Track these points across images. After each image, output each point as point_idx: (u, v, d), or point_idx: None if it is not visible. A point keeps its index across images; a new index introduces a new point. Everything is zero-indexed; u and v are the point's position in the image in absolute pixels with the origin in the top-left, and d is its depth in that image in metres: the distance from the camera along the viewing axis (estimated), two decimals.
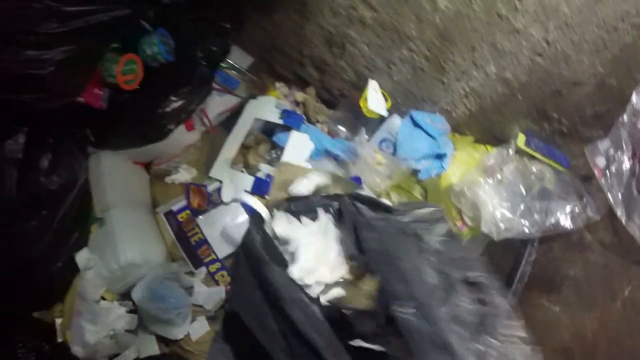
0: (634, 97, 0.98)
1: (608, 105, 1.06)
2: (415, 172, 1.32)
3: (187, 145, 1.48)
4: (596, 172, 1.05)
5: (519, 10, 1.02)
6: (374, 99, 1.35)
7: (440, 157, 1.29)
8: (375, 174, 1.34)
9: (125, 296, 1.34)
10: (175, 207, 1.41)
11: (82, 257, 1.28)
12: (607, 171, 1.03)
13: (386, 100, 1.37)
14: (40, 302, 1.26)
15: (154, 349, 1.35)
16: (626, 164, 1.00)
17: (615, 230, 1.04)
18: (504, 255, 1.19)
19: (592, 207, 1.10)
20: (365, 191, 1.34)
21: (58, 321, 1.27)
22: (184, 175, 1.42)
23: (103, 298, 1.30)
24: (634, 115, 1.00)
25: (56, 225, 1.22)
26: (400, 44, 1.24)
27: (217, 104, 1.51)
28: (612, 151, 1.03)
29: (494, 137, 1.31)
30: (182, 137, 1.46)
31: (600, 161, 1.05)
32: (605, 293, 0.99)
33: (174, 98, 1.33)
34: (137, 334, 1.34)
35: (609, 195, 1.01)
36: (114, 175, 1.38)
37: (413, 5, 1.14)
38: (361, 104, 1.36)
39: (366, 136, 1.38)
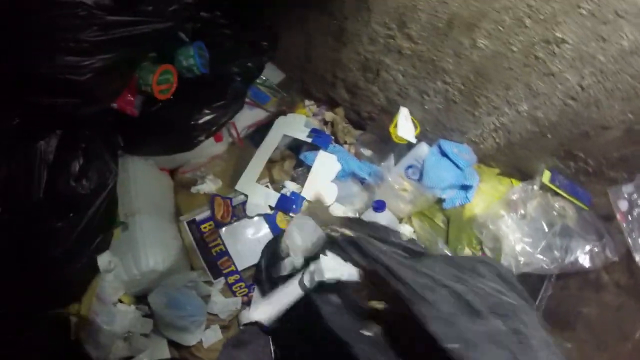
0: None
1: (634, 149, 1.10)
2: (439, 201, 1.35)
3: (214, 156, 1.49)
4: (618, 215, 1.09)
5: (556, 55, 1.06)
6: (404, 126, 1.38)
7: (465, 187, 1.33)
8: (400, 200, 1.37)
9: (141, 300, 1.35)
10: (198, 217, 1.42)
11: (103, 259, 1.27)
12: (629, 215, 1.07)
13: (415, 127, 1.40)
14: (58, 300, 1.24)
15: (165, 352, 1.34)
16: None
17: (632, 273, 1.06)
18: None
19: (610, 247, 1.13)
20: (388, 215, 1.37)
21: (73, 320, 1.25)
22: (210, 186, 1.44)
23: (120, 301, 1.30)
24: None
25: (82, 227, 1.22)
26: (436, 76, 1.28)
27: (246, 118, 1.53)
28: (635, 196, 1.07)
29: (519, 171, 1.34)
30: (209, 147, 1.49)
31: (623, 205, 1.09)
32: (617, 333, 1.01)
33: (207, 111, 1.35)
34: (149, 337, 1.34)
35: (629, 240, 1.05)
36: (140, 181, 1.39)
37: (452, 42, 1.19)
38: (391, 130, 1.38)
39: (393, 161, 1.41)
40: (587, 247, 1.14)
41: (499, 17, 1.08)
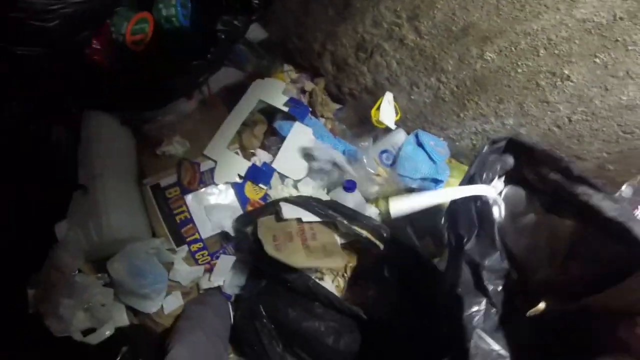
0: (624, 187, 1.13)
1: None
2: (409, 190, 1.37)
3: (183, 115, 1.34)
4: None
5: (557, 88, 1.07)
6: (386, 111, 1.33)
7: (436, 181, 1.35)
8: (371, 183, 1.36)
9: (101, 268, 1.26)
10: (164, 182, 1.31)
11: (61, 227, 1.15)
12: None
13: (396, 113, 1.36)
14: (13, 273, 1.13)
15: (123, 319, 1.30)
16: None
17: None
18: None
19: None
20: (357, 196, 1.37)
21: (31, 292, 1.15)
22: (177, 148, 1.30)
23: (80, 270, 1.21)
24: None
25: (36, 193, 1.08)
26: (432, 73, 1.23)
27: (220, 77, 1.37)
28: None
29: None
30: (179, 104, 1.33)
31: None
32: None
33: (184, 69, 1.18)
34: (109, 305, 1.28)
35: None
36: (104, 140, 1.23)
37: (460, 47, 1.13)
38: (372, 112, 1.33)
39: (371, 144, 1.38)
40: None
41: (516, 40, 1.04)
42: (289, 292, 1.19)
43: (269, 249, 1.14)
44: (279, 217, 1.25)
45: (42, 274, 1.16)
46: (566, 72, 1.03)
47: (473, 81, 1.19)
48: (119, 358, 1.18)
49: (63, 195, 1.14)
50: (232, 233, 1.31)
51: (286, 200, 1.27)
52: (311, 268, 1.19)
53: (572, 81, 1.04)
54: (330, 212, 1.21)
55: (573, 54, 0.99)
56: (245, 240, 1.27)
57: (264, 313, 1.23)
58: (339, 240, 1.24)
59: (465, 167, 1.42)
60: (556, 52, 1.01)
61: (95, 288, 1.20)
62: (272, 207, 1.29)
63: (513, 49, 1.06)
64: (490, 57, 1.11)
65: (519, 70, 1.09)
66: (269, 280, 1.25)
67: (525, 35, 1.03)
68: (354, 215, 1.23)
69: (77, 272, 1.19)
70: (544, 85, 1.09)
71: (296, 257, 1.14)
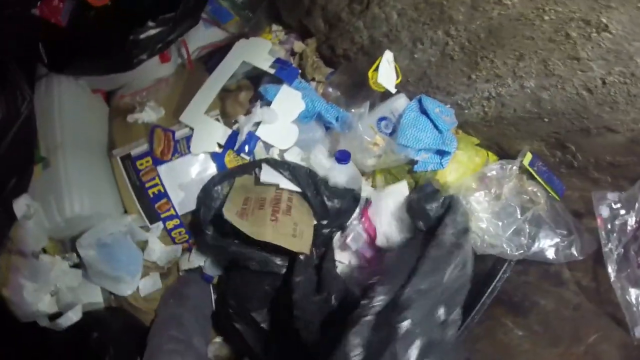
0: None
1: (629, 160, 0.99)
2: (410, 161, 1.19)
3: (158, 79, 1.17)
4: (598, 221, 1.01)
5: (591, 40, 0.84)
6: (386, 72, 1.13)
7: (440, 153, 1.16)
8: (367, 154, 1.17)
9: (68, 247, 1.14)
10: (134, 152, 1.15)
11: (20, 204, 1.02)
12: (609, 224, 1.00)
13: (397, 76, 1.15)
14: None
15: (99, 300, 1.18)
16: (631, 225, 0.97)
17: (595, 276, 1.04)
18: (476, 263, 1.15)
19: (577, 246, 1.06)
20: (351, 168, 1.19)
21: None
22: (150, 114, 1.14)
23: (44, 251, 1.09)
24: None
25: None
26: (439, 24, 1.01)
27: (200, 37, 1.21)
28: (620, 206, 0.99)
29: (499, 147, 1.19)
30: (153, 68, 1.17)
31: (605, 211, 1.01)
32: (571, 333, 1.01)
33: (151, 24, 1.02)
34: (80, 286, 1.16)
35: (605, 248, 0.99)
36: (67, 107, 1.08)
37: None
38: (369, 74, 1.13)
39: (367, 110, 1.19)
40: (555, 240, 1.07)
41: None
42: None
43: (228, 213, 1.00)
44: (258, 181, 1.11)
45: (2, 256, 1.04)
46: (603, 19, 0.80)
47: (488, 33, 0.96)
48: (88, 344, 1.07)
49: (22, 168, 1.00)
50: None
51: (270, 162, 1.12)
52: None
53: (610, 32, 0.81)
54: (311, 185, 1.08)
55: None
56: (211, 203, 1.11)
57: (231, 301, 1.11)
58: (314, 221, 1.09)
59: (474, 139, 1.23)
60: None
61: (62, 270, 1.08)
62: (252, 168, 1.14)
63: None
64: (510, 1, 0.88)
65: (545, 18, 0.86)
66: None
67: None
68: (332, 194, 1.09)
69: (40, 252, 1.07)
70: (575, 38, 0.86)
71: (258, 229, 0.99)
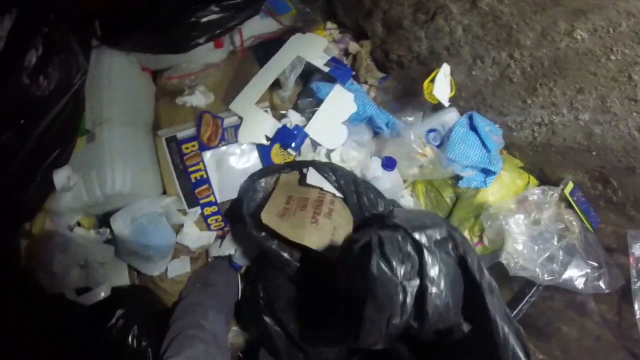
0: None
1: None
2: (454, 176, 1.23)
3: (209, 65, 1.20)
4: (630, 259, 1.08)
5: None
6: (441, 85, 1.18)
7: (485, 171, 1.21)
8: (413, 163, 1.22)
9: (102, 222, 1.16)
10: (180, 135, 1.18)
11: (61, 175, 1.04)
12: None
13: (451, 89, 1.20)
14: (7, 222, 1.02)
15: (124, 278, 1.21)
16: None
17: (620, 310, 1.10)
18: (503, 284, 1.21)
19: (606, 279, 1.12)
20: (395, 176, 1.23)
21: (23, 243, 1.06)
22: (199, 99, 1.17)
23: (78, 224, 1.12)
24: None
25: (36, 137, 0.95)
26: (504, 46, 1.06)
27: (255, 26, 1.23)
28: None
29: (542, 172, 1.25)
30: (206, 52, 1.20)
31: (638, 250, 1.08)
32: None
33: (214, 8, 1.04)
34: (109, 263, 1.18)
35: (634, 286, 1.06)
36: (117, 81, 1.10)
37: (546, 19, 0.96)
38: (425, 85, 1.17)
39: (420, 120, 1.23)
40: (585, 270, 1.13)
41: (617, 19, 0.87)
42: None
43: (267, 216, 1.03)
44: (303, 180, 1.14)
45: (36, 225, 1.06)
46: None
47: (553, 62, 1.01)
48: (112, 321, 1.10)
49: (66, 140, 1.02)
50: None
51: (317, 165, 1.15)
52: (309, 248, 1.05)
53: None
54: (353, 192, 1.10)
55: None
56: (254, 195, 1.15)
57: (261, 294, 1.14)
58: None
59: (518, 162, 1.28)
60: None
61: (94, 245, 1.12)
62: (298, 167, 1.18)
63: (611, 30, 0.89)
64: (580, 35, 0.93)
65: (612, 58, 0.92)
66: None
67: (628, 16, 0.85)
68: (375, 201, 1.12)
69: (75, 225, 1.10)
70: (636, 80, 0.91)
71: (297, 232, 1.02)
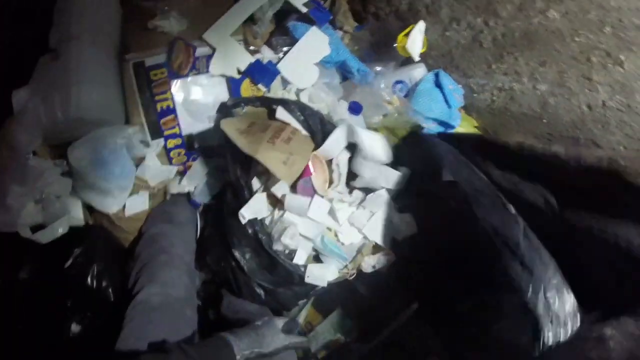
0: None
1: (606, 181, 1.22)
2: (417, 127, 1.35)
3: None
4: None
5: (606, 69, 1.08)
6: (415, 41, 1.29)
7: (445, 125, 1.36)
8: (379, 110, 1.34)
9: (59, 152, 1.13)
10: (150, 61, 1.18)
11: (20, 96, 0.99)
12: None
13: (422, 46, 1.31)
14: None
15: (78, 217, 1.22)
16: None
17: None
18: None
19: None
20: (360, 120, 1.34)
21: None
22: (173, 24, 1.16)
23: (35, 153, 1.09)
24: None
25: None
26: (481, 13, 1.18)
27: None
28: None
29: (495, 134, 1.41)
30: None
31: None
32: None
33: None
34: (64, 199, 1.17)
35: None
36: None
37: None
38: (399, 38, 1.28)
39: (392, 70, 1.33)
40: None
41: (588, 7, 1.02)
42: None
43: (227, 127, 1.07)
44: (271, 116, 1.20)
45: None
46: (622, 57, 1.04)
47: (523, 34, 1.16)
48: (70, 260, 1.11)
49: (26, 58, 0.97)
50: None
51: (286, 102, 1.20)
52: (259, 162, 1.08)
53: (623, 68, 1.05)
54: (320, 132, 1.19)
55: (637, 43, 1.00)
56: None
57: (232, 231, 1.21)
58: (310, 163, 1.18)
59: (474, 122, 1.45)
60: (621, 35, 1.01)
61: (51, 175, 1.11)
62: (268, 103, 1.23)
63: (581, 15, 1.04)
64: (553, 15, 1.08)
65: (576, 39, 1.09)
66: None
67: (598, 7, 1.01)
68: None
69: (31, 154, 1.08)
70: (594, 62, 1.09)
71: (251, 145, 1.06)
